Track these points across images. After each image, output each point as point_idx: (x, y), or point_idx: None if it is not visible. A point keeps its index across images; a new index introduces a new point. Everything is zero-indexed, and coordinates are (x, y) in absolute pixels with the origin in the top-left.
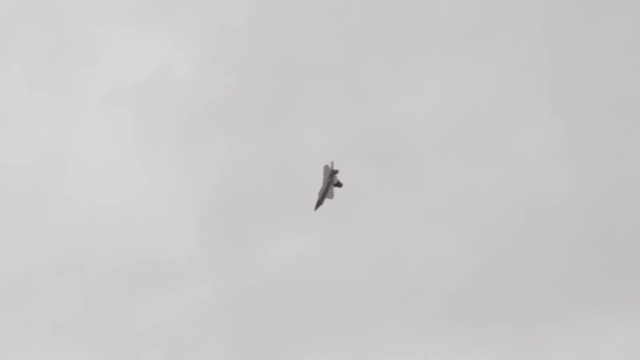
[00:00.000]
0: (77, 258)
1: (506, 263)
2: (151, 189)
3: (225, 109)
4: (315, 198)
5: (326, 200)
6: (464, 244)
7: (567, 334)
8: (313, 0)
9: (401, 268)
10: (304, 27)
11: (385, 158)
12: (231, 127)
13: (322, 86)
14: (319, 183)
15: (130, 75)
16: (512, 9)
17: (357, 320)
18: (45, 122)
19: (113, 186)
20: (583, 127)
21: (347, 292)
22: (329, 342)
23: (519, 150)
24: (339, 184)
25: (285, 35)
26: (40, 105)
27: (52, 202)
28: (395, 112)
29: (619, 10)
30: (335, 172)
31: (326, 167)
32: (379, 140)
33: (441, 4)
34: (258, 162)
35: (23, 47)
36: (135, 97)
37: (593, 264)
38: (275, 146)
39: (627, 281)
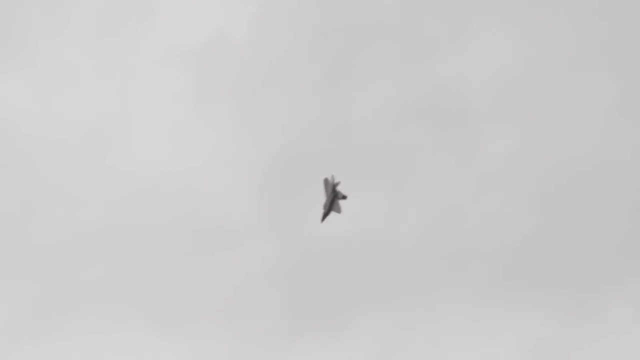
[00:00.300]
0: (135, 219)
1: (564, 224)
2: (209, 150)
3: (284, 70)
4: (321, 211)
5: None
6: (522, 205)
7: (627, 298)
8: None
9: (458, 231)
10: None
11: (442, 120)
12: (290, 88)
13: (379, 48)
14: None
15: (189, 35)
16: None
17: (413, 282)
18: (104, 83)
19: (171, 147)
20: None
21: (404, 254)
22: (385, 304)
23: (576, 110)
24: (343, 197)
25: None
26: (99, 65)
27: (110, 162)
28: (451, 73)
29: None
30: (337, 184)
31: (326, 180)
32: (436, 102)
33: None
34: (316, 123)
35: (82, 6)
36: (194, 57)
37: None
38: (333, 107)
39: None
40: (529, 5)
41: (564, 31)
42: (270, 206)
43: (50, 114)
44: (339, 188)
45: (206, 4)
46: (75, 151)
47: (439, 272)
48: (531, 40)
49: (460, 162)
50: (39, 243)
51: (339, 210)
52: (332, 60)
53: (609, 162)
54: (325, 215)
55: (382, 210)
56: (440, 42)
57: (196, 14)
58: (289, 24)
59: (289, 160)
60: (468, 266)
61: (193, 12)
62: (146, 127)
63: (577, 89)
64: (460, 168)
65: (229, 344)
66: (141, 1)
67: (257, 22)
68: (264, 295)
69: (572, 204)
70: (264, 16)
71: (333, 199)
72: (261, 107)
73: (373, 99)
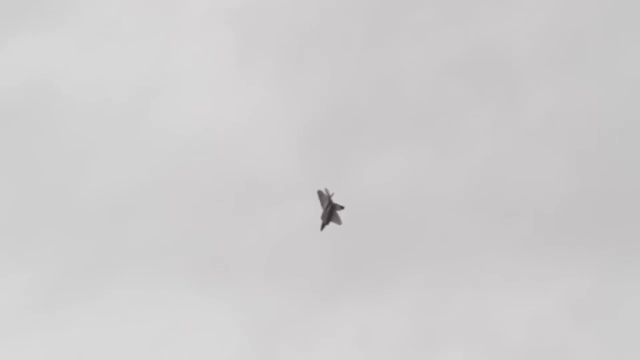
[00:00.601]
0: (178, 177)
1: (607, 182)
2: (252, 108)
3: (327, 28)
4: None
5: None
6: (564, 163)
7: None
8: None
9: (500, 188)
10: None
11: (484, 77)
12: (332, 46)
13: (421, 5)
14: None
15: None
16: None
17: (456, 240)
18: (146, 41)
19: (214, 106)
20: None
21: (447, 212)
22: (428, 262)
23: (621, 67)
24: (341, 208)
25: None
26: (141, 23)
27: (153, 121)
28: (494, 30)
29: None
30: (332, 196)
31: (320, 192)
32: (477, 58)
33: None
34: (359, 81)
35: None
36: (237, 15)
37: None
38: (375, 65)
39: None
40: None
41: None
42: (313, 164)
43: (93, 73)
44: (334, 199)
45: None
46: (118, 110)
47: (482, 230)
48: None
49: (502, 120)
50: (84, 203)
51: (339, 222)
52: (374, 18)
53: None
54: (323, 225)
55: (424, 167)
56: None
57: None
58: None
59: (331, 119)
60: (510, 224)
61: None
62: (189, 86)
63: (622, 44)
64: (502, 125)
65: (271, 302)
66: None
67: None
68: (306, 254)
69: (614, 162)
70: None
71: (331, 211)
72: (303, 65)
73: (415, 57)
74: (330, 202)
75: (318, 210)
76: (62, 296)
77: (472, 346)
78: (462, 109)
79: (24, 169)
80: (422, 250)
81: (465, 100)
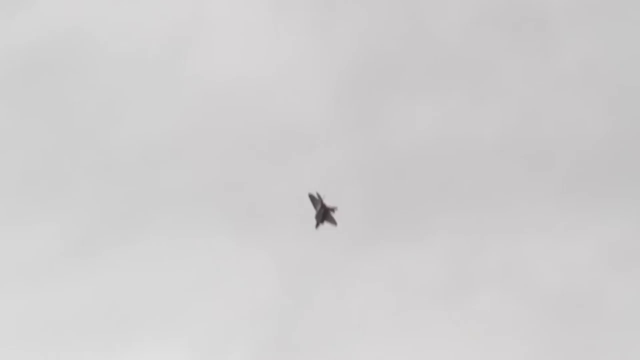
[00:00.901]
0: (212, 125)
1: None
2: (287, 56)
3: None
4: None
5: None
6: (600, 109)
7: None
8: None
9: (536, 134)
10: None
11: (520, 23)
12: None
13: None
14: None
15: None
16: None
17: (492, 186)
18: None
19: (248, 53)
20: None
21: (482, 158)
22: (464, 208)
23: None
24: (333, 210)
25: None
26: None
27: (187, 69)
28: None
29: None
30: (322, 198)
31: (311, 196)
32: (513, 3)
33: None
34: (393, 28)
35: None
36: None
37: None
38: (409, 12)
39: None
40: None
41: None
42: (347, 112)
43: (126, 21)
44: (326, 201)
45: None
46: (151, 58)
47: (517, 176)
48: None
49: (536, 65)
50: (117, 150)
51: (334, 223)
52: None
53: None
54: (318, 224)
55: (458, 114)
56: None
57: None
58: None
59: (364, 66)
60: (546, 170)
61: None
62: (223, 34)
63: None
64: (537, 71)
65: (305, 248)
66: None
67: None
68: (340, 201)
69: None
70: None
71: (324, 214)
72: (337, 13)
73: (450, 3)
74: (322, 205)
75: (311, 211)
76: (96, 243)
77: (506, 292)
78: (496, 55)
79: (58, 117)
80: (456, 197)
81: (499, 46)
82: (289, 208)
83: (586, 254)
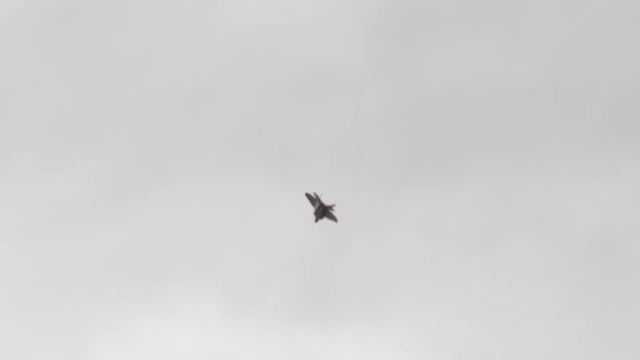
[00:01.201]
0: (246, 68)
1: None
2: None
3: None
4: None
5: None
6: (634, 53)
7: None
8: None
9: (571, 77)
10: None
11: None
12: None
13: None
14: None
15: None
16: None
17: (526, 129)
18: None
19: None
20: None
21: (517, 100)
22: (498, 152)
23: None
24: (332, 208)
25: None
26: None
27: (221, 11)
28: None
29: None
30: (320, 197)
31: (309, 196)
32: None
33: None
34: None
35: None
36: None
37: None
38: None
39: None
40: None
41: None
42: (381, 54)
43: None
44: (323, 200)
45: None
46: (187, 3)
47: (551, 120)
48: None
49: (573, 9)
50: (154, 93)
51: (335, 220)
52: None
53: None
54: (317, 220)
55: (494, 57)
56: None
57: None
58: None
59: (399, 9)
60: (580, 114)
61: None
62: None
63: None
64: (574, 15)
65: (338, 191)
66: None
67: None
68: (373, 143)
69: None
70: None
71: (324, 211)
72: None
73: None
74: (320, 204)
75: (310, 208)
76: (131, 186)
77: (539, 236)
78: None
79: (97, 60)
80: (492, 140)
81: None
82: (323, 151)
83: (620, 197)
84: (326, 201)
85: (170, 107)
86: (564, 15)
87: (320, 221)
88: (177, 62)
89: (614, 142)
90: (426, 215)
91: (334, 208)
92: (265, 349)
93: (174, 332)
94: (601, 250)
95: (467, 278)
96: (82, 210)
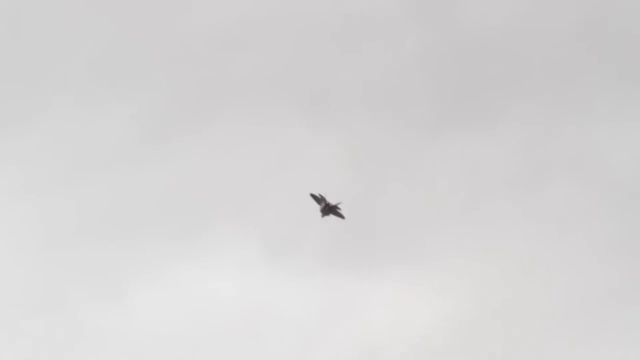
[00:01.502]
0: (281, 12)
1: None
2: None
3: None
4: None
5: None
6: None
7: None
8: None
9: (609, 20)
10: None
11: None
12: None
13: None
14: None
15: None
16: None
17: (565, 71)
18: None
19: None
20: None
21: (556, 42)
22: (537, 95)
23: None
24: (338, 207)
25: None
26: None
27: None
28: None
29: None
30: (325, 198)
31: (314, 196)
32: None
33: None
34: None
35: None
36: None
37: None
38: None
39: None
40: None
41: None
42: None
43: None
44: (329, 200)
45: None
46: None
47: (593, 62)
48: None
49: None
50: (190, 36)
51: (342, 217)
52: None
53: None
54: (323, 216)
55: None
56: None
57: None
58: None
59: None
60: (619, 59)
61: None
62: None
63: None
64: None
65: (377, 137)
66: None
67: None
68: (410, 87)
69: None
70: None
71: (330, 210)
72: None
73: None
74: (326, 204)
75: (316, 206)
76: (169, 129)
77: (579, 181)
78: None
79: (132, 3)
80: (531, 84)
81: None
82: (359, 95)
83: None
84: (331, 201)
85: (208, 50)
86: None
87: (326, 217)
88: (215, 5)
89: None
90: (464, 160)
91: (339, 207)
92: (304, 295)
93: (212, 277)
94: None
95: (505, 224)
96: (120, 153)
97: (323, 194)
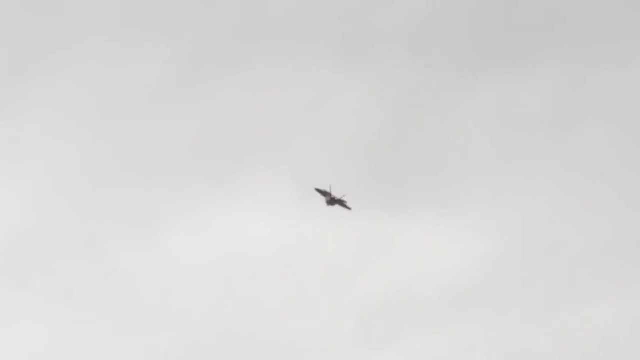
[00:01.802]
0: None
1: None
2: None
3: None
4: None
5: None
6: None
7: None
8: None
9: None
10: None
11: None
12: None
13: None
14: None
15: None
16: None
17: (595, 17)
18: None
19: None
20: None
21: None
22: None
23: None
24: (343, 200)
25: None
26: None
27: None
28: None
29: None
30: (330, 192)
31: (319, 191)
32: None
33: None
34: None
35: None
36: None
37: None
38: None
39: None
40: None
41: None
42: None
43: None
44: (334, 194)
45: None
46: None
47: (625, 6)
48: None
49: None
50: None
51: (348, 207)
52: None
53: None
54: (329, 205)
55: None
56: None
57: None
58: None
59: None
60: None
61: None
62: None
63: None
64: None
65: (409, 79)
66: None
67: None
68: (446, 31)
69: None
70: None
71: (337, 202)
72: None
73: None
74: (332, 198)
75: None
76: (204, 70)
77: (612, 124)
78: None
79: None
80: (565, 27)
81: None
82: (395, 39)
83: None
84: (336, 195)
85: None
86: None
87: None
88: None
89: None
90: (498, 102)
91: (344, 199)
92: (335, 236)
93: (244, 219)
94: None
95: (538, 166)
96: (155, 95)
97: (328, 189)
